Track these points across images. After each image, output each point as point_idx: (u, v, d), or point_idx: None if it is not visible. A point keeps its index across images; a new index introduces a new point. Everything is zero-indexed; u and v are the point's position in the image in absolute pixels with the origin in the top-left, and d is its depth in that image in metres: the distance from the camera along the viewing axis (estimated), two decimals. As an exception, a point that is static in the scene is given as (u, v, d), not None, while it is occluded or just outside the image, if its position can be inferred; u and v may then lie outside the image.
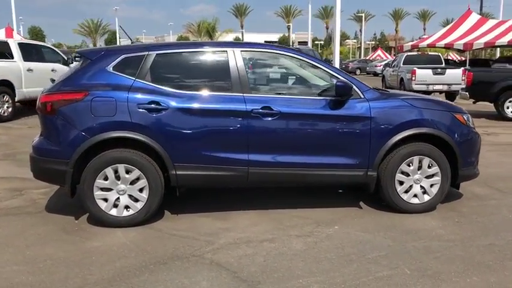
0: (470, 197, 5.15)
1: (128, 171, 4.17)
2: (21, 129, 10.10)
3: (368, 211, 4.69)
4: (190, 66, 4.55)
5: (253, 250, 3.76)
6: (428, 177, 4.58)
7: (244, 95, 4.30)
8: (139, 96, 4.17)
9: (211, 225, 4.32)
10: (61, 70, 12.88)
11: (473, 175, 4.85)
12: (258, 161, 4.33)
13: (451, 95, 15.82)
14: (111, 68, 4.27)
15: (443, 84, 15.79)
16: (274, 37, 75.80)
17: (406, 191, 4.57)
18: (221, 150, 4.28)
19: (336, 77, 4.48)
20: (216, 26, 71.00)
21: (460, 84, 15.31)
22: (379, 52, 59.63)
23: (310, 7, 37.25)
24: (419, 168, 4.55)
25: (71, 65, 13.41)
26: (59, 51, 13.85)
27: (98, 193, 4.16)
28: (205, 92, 4.32)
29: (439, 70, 16.03)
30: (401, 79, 17.11)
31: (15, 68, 11.43)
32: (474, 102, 12.60)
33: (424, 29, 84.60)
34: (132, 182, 4.20)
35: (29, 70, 11.73)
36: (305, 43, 55.02)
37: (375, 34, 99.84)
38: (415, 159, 4.52)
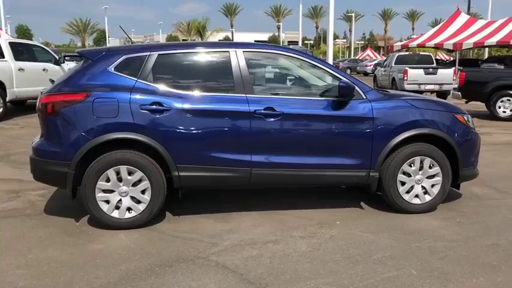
0: (469, 196, 5.18)
1: (130, 173, 4.13)
2: (13, 130, 9.96)
3: (369, 211, 4.70)
4: (192, 66, 4.51)
5: (258, 252, 3.75)
6: (429, 177, 4.60)
7: (247, 95, 4.28)
8: (141, 97, 4.13)
9: (213, 226, 4.30)
10: (52, 70, 12.78)
11: (474, 175, 4.89)
12: (261, 162, 4.31)
13: (442, 94, 15.93)
14: (112, 69, 4.22)
15: (434, 84, 15.91)
16: (264, 36, 75.89)
17: (408, 192, 4.59)
18: (224, 151, 4.26)
19: (339, 77, 4.48)
20: (206, 25, 70.84)
21: (452, 84, 15.46)
22: (368, 52, 60.09)
23: (301, 7, 37.34)
24: (421, 168, 4.57)
25: (63, 65, 13.30)
26: (50, 51, 13.70)
27: (99, 195, 4.11)
28: (207, 93, 4.29)
29: (431, 70, 16.16)
30: (393, 79, 17.20)
31: (6, 67, 11.28)
32: (466, 102, 12.71)
33: (413, 29, 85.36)
34: (135, 184, 4.16)
35: (20, 70, 11.58)
36: (295, 42, 55.17)
37: (363, 34, 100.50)
38: (417, 159, 4.54)
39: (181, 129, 4.17)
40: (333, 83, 4.53)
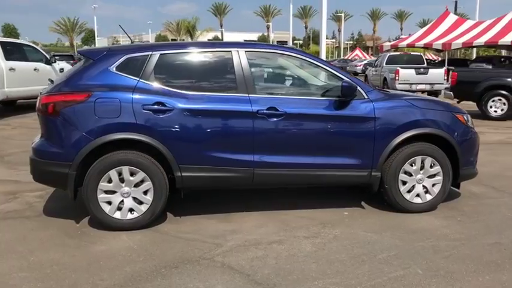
0: (468, 196, 5.22)
1: (132, 174, 4.09)
2: (4, 130, 9.82)
3: (371, 211, 4.72)
4: (194, 66, 4.49)
5: (263, 252, 3.73)
6: (430, 176, 4.63)
7: (250, 95, 4.26)
8: (144, 97, 4.09)
9: (216, 227, 4.28)
10: (43, 69, 12.64)
11: (473, 174, 4.93)
12: (264, 162, 4.30)
13: (433, 94, 16.05)
14: (114, 69, 4.17)
15: (426, 83, 16.02)
16: (254, 36, 75.85)
17: (409, 191, 4.61)
18: (226, 151, 4.24)
19: (341, 77, 4.48)
20: (196, 25, 70.65)
21: (442, 83, 15.60)
22: (357, 52, 60.31)
23: (292, 7, 37.41)
24: (422, 168, 4.60)
25: (54, 64, 13.16)
26: (41, 50, 13.55)
27: (101, 196, 4.07)
28: (210, 93, 4.27)
29: (422, 70, 16.27)
30: (385, 79, 17.29)
31: (-4, 67, 11.13)
32: (458, 102, 12.80)
33: (401, 29, 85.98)
34: (137, 185, 4.12)
35: (11, 69, 11.43)
36: (284, 42, 55.23)
37: (352, 34, 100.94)
38: (418, 159, 4.56)
39: (184, 129, 4.14)
40: (335, 83, 4.53)
